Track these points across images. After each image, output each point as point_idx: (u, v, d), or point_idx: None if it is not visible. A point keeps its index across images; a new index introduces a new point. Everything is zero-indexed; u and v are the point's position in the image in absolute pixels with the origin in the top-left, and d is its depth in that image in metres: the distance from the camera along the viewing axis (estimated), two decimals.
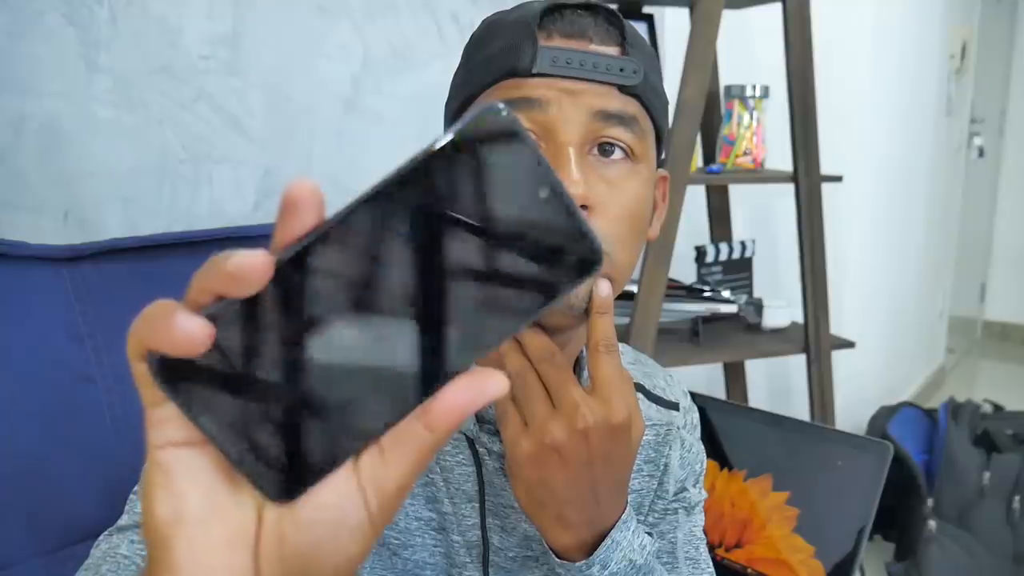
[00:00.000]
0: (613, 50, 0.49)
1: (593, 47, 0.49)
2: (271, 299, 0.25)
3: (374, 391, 0.27)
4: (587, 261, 0.26)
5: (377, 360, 0.26)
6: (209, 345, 0.25)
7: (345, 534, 0.27)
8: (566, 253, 0.26)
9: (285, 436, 0.27)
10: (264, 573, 0.27)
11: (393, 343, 0.26)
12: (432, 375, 0.26)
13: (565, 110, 0.48)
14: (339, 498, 0.27)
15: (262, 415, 0.26)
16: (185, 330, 0.24)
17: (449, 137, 0.25)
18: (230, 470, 0.27)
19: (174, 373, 0.26)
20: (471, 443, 0.55)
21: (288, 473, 0.27)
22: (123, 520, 0.48)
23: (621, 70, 0.49)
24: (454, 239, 0.26)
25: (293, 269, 0.25)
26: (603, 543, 0.49)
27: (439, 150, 0.25)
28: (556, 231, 0.26)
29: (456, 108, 0.54)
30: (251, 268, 0.24)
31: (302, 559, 0.27)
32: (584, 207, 0.47)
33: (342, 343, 0.26)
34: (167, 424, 0.27)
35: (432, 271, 0.26)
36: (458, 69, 0.55)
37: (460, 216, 0.25)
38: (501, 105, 0.25)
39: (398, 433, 0.27)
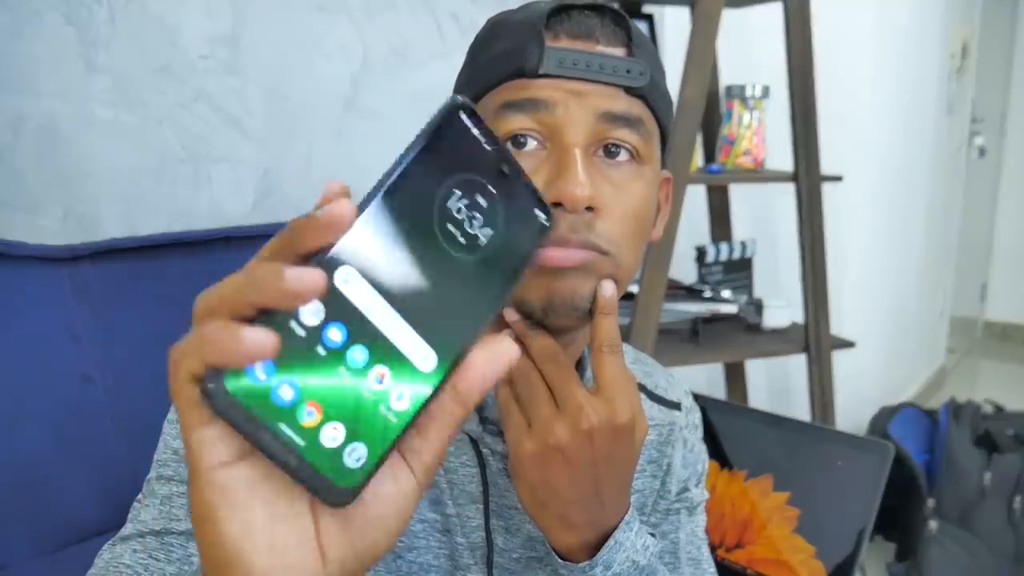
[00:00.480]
0: (620, 51, 0.49)
1: (600, 48, 0.49)
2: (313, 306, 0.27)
3: (410, 379, 0.29)
4: (541, 223, 0.32)
5: (406, 348, 0.28)
6: (277, 353, 0.25)
7: (401, 501, 0.30)
8: (525, 217, 0.31)
9: (335, 441, 0.28)
10: (330, 552, 0.29)
11: (418, 327, 0.29)
12: (453, 352, 0.29)
13: (571, 111, 0.48)
14: (394, 472, 0.30)
15: (313, 422, 0.27)
16: (256, 341, 0.24)
17: (422, 143, 0.30)
18: (282, 477, 0.28)
19: (229, 391, 0.26)
20: (475, 444, 0.54)
21: (342, 478, 0.28)
22: (126, 529, 0.47)
23: (628, 71, 0.48)
24: (442, 222, 0.29)
25: (332, 270, 0.27)
26: (606, 544, 0.49)
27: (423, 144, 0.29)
28: (516, 199, 0.31)
29: None
30: (311, 284, 0.25)
31: (367, 533, 0.29)
32: (590, 208, 0.47)
33: (376, 341, 0.28)
34: (216, 444, 0.27)
35: (433, 254, 0.29)
36: (462, 68, 0.54)
37: (446, 200, 0.30)
38: (460, 97, 0.30)
39: (431, 412, 0.30)
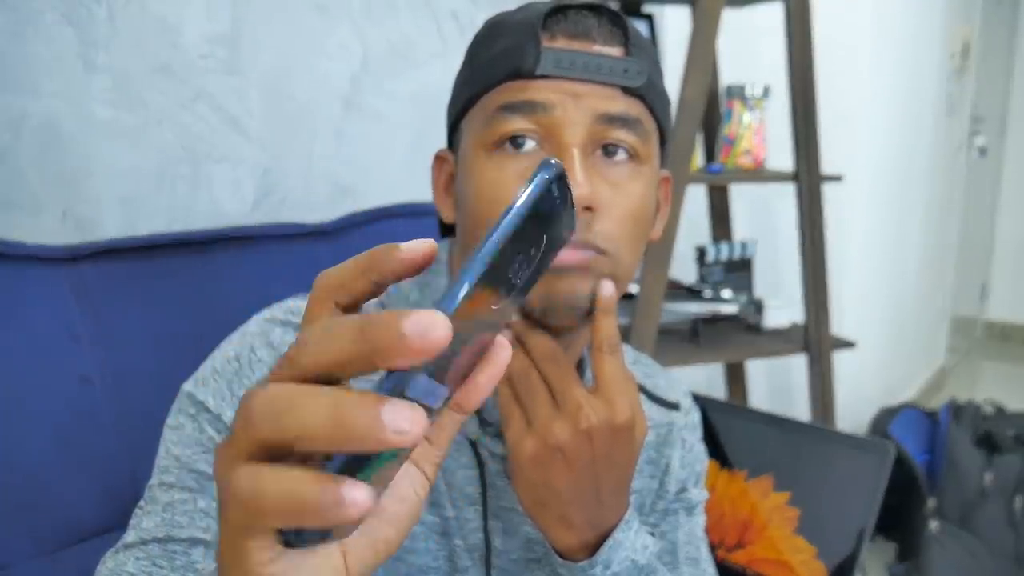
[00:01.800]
0: (617, 51, 0.49)
1: (597, 48, 0.49)
2: None
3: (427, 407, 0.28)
4: (569, 225, 0.31)
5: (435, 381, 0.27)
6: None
7: (416, 503, 0.32)
8: (554, 229, 0.30)
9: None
10: (353, 566, 0.29)
11: (449, 366, 0.28)
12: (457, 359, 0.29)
13: (569, 113, 0.48)
14: (409, 483, 0.31)
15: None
16: (352, 500, 0.22)
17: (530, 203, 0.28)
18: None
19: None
20: (473, 446, 0.54)
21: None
22: (129, 536, 0.47)
23: (625, 71, 0.48)
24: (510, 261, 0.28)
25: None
26: (605, 543, 0.49)
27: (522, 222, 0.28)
28: (554, 218, 0.30)
29: (459, 108, 0.53)
30: (416, 432, 0.22)
31: (389, 541, 0.30)
32: (588, 208, 0.47)
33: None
34: (266, 546, 0.25)
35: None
36: (461, 69, 0.54)
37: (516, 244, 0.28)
38: (554, 160, 0.29)
39: (437, 423, 0.32)
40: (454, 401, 0.30)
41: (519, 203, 0.27)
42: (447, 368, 0.26)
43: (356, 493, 0.22)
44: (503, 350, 0.30)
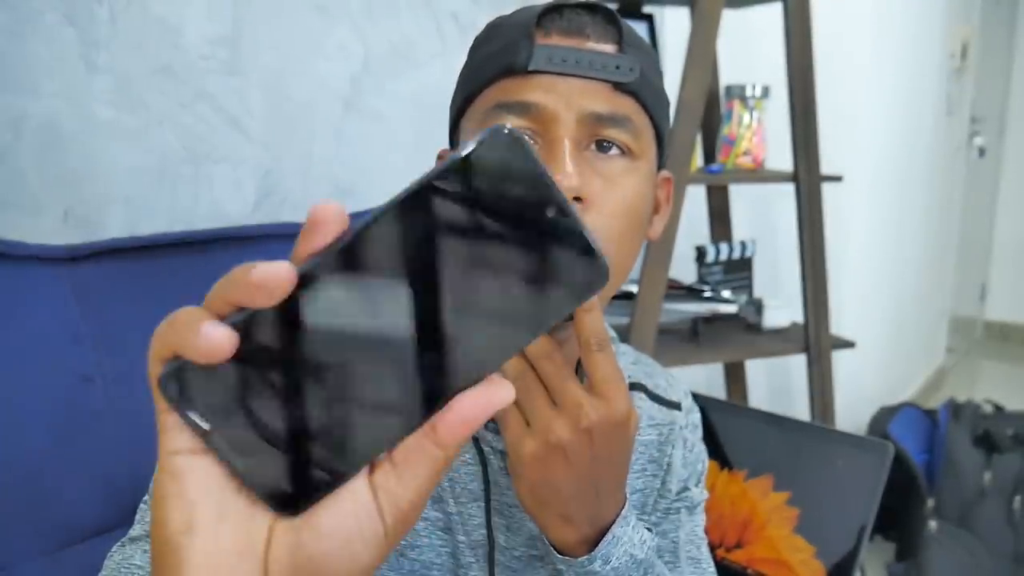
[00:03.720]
0: (610, 48, 0.50)
1: (590, 45, 0.49)
2: (287, 311, 0.25)
3: (380, 407, 0.27)
4: (592, 278, 0.26)
5: (385, 375, 0.26)
6: (232, 353, 0.25)
7: (360, 544, 0.27)
8: (571, 269, 0.26)
9: (291, 451, 0.27)
10: None
11: (401, 359, 0.26)
12: (438, 391, 0.26)
13: (560, 111, 0.48)
14: (356, 507, 0.27)
15: (270, 429, 0.26)
16: (211, 337, 0.24)
17: (459, 154, 0.25)
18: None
19: (184, 383, 0.26)
20: (476, 442, 0.54)
21: (293, 487, 0.27)
22: (135, 531, 0.47)
23: (617, 67, 0.49)
24: (465, 256, 0.26)
25: (310, 282, 0.25)
26: (604, 538, 0.49)
27: (450, 166, 0.25)
28: (562, 248, 0.26)
29: (457, 107, 0.54)
30: (275, 277, 0.24)
31: (314, 567, 0.27)
32: (577, 199, 0.47)
33: (351, 359, 0.26)
34: (180, 431, 0.26)
35: (442, 288, 0.26)
36: (462, 69, 0.55)
37: (470, 233, 0.26)
38: (508, 126, 0.26)
39: (408, 450, 0.27)
40: (429, 424, 0.27)
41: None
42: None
43: (215, 327, 0.24)
44: (501, 389, 0.27)
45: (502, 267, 0.26)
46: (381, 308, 0.26)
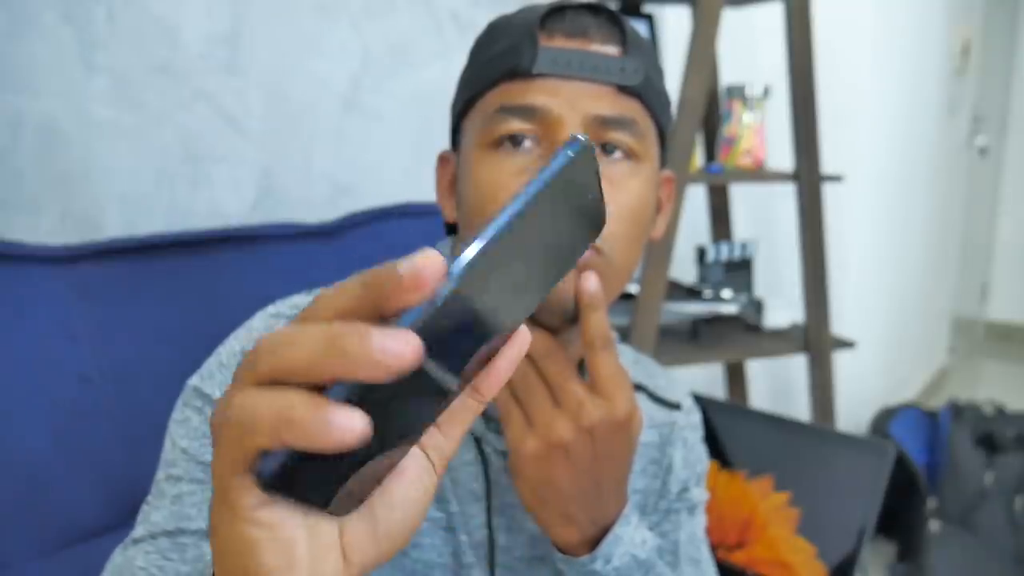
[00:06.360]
0: (614, 50, 0.49)
1: (594, 47, 0.49)
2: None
3: (435, 389, 0.26)
4: (595, 222, 0.29)
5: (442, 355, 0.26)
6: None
7: (425, 501, 0.31)
8: (580, 215, 0.28)
9: (356, 462, 0.25)
10: (352, 556, 0.28)
11: (467, 354, 0.27)
12: (482, 356, 0.28)
13: (565, 114, 0.48)
14: (418, 471, 0.30)
15: (347, 461, 0.25)
16: (342, 428, 0.22)
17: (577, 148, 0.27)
18: None
19: (285, 473, 0.24)
20: (477, 443, 0.54)
21: (358, 490, 0.27)
22: (137, 531, 0.47)
23: (621, 70, 0.49)
24: (528, 243, 0.26)
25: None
26: (606, 538, 0.49)
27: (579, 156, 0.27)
28: (576, 195, 0.28)
29: (459, 109, 0.54)
30: (408, 355, 0.22)
31: (393, 535, 0.29)
32: None
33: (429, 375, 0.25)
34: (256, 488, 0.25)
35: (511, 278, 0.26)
36: (464, 70, 0.55)
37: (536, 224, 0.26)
38: (582, 136, 0.27)
39: (452, 411, 0.31)
40: (472, 386, 0.30)
41: (542, 174, 0.26)
42: (460, 355, 0.25)
43: (347, 416, 0.22)
44: (523, 334, 0.30)
45: (549, 246, 0.27)
46: (466, 327, 0.25)
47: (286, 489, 0.24)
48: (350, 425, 0.21)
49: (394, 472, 0.29)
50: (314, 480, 0.24)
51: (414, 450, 0.30)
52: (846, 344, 1.50)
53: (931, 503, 1.86)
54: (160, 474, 0.49)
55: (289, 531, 0.26)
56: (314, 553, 0.27)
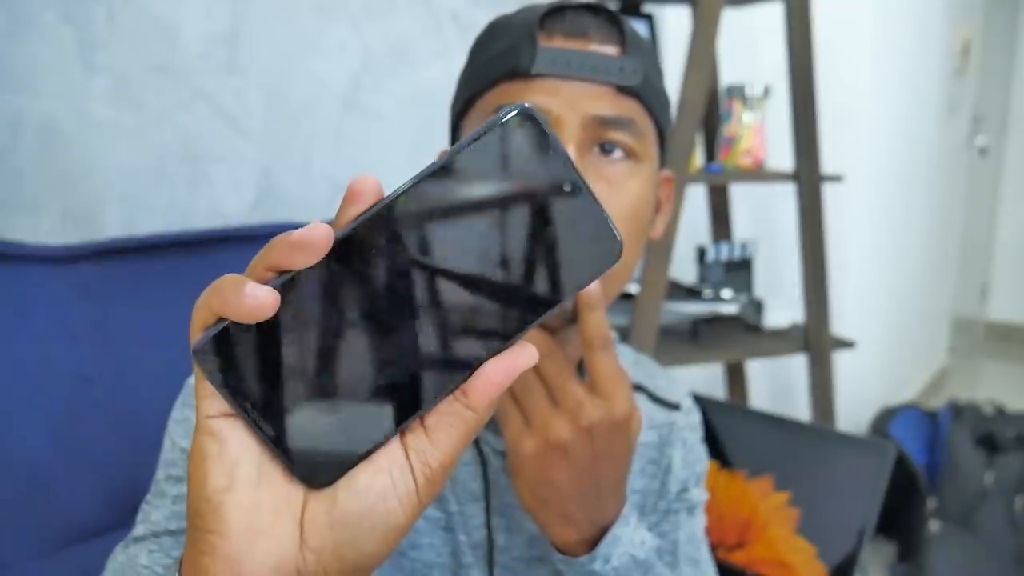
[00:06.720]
0: (613, 50, 0.50)
1: (593, 47, 0.49)
2: (324, 277, 0.27)
3: (412, 374, 0.28)
4: (607, 252, 0.28)
5: (417, 342, 0.28)
6: (274, 311, 0.26)
7: (394, 501, 0.29)
8: (587, 243, 0.28)
9: (322, 421, 0.28)
10: (309, 539, 0.28)
11: (433, 326, 0.28)
12: (468, 358, 0.28)
13: (564, 115, 0.48)
14: (390, 464, 0.29)
15: (304, 398, 0.27)
16: (255, 295, 0.26)
17: (483, 129, 0.27)
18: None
19: (220, 352, 0.27)
20: (476, 443, 0.54)
21: (324, 459, 0.28)
22: (138, 531, 0.47)
23: (621, 70, 0.49)
24: (492, 226, 0.27)
25: (345, 248, 0.27)
26: (604, 538, 0.49)
27: (476, 139, 0.27)
28: (579, 223, 0.28)
29: (459, 108, 0.54)
30: (314, 236, 0.26)
31: (350, 526, 0.28)
32: None
33: (384, 326, 0.27)
34: (218, 396, 0.28)
35: (471, 256, 0.27)
36: (463, 70, 0.55)
37: (498, 203, 0.27)
38: (528, 104, 0.27)
39: (440, 414, 0.29)
40: (459, 389, 0.28)
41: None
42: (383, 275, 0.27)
43: (259, 287, 0.26)
44: (525, 351, 0.29)
45: (525, 238, 0.27)
46: (413, 275, 0.27)
47: (215, 353, 0.27)
48: (262, 294, 0.26)
49: (366, 460, 0.29)
50: (241, 357, 0.27)
51: (391, 442, 0.29)
52: (846, 344, 1.50)
53: (931, 503, 1.86)
54: (160, 474, 0.49)
55: (235, 452, 0.27)
56: (265, 498, 0.28)
